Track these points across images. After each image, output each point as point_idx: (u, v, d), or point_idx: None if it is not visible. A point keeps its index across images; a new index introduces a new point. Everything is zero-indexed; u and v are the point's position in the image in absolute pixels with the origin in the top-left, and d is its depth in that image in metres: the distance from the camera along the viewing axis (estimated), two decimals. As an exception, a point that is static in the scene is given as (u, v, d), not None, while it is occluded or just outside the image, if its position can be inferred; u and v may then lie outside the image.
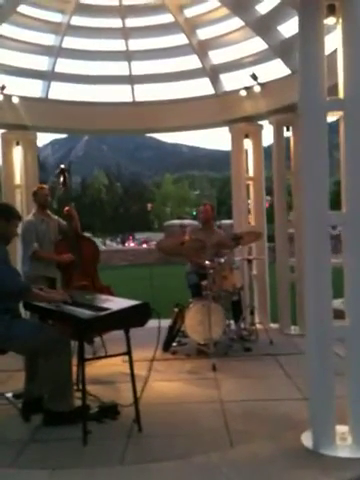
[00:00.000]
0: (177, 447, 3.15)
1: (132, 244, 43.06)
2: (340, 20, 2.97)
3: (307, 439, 3.04)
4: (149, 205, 53.59)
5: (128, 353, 3.38)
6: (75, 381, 4.22)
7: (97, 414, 3.60)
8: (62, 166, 5.72)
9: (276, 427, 3.34)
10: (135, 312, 3.14)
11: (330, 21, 3.01)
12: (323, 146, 2.98)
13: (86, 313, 3.10)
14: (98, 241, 49.64)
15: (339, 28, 2.98)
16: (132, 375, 3.40)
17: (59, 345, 3.42)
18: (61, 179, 5.62)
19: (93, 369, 4.28)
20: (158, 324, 3.40)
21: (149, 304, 3.19)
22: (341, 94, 3.00)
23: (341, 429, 3.01)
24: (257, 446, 3.04)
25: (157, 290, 9.06)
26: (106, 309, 3.13)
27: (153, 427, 3.45)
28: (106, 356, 3.50)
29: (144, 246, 34.98)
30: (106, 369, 4.64)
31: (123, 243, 45.52)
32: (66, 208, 5.54)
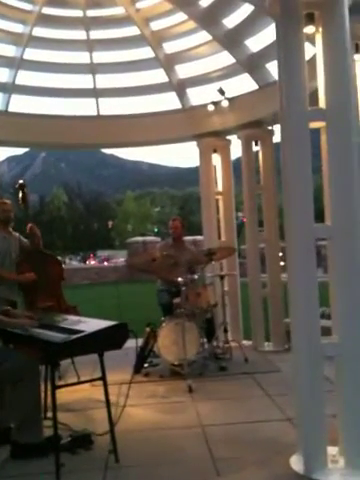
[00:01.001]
0: (159, 478, 2.94)
1: (93, 262, 42.41)
2: (320, 29, 2.91)
3: (297, 463, 2.89)
4: (110, 222, 53.10)
5: (102, 378, 3.15)
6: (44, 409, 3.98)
7: (69, 444, 3.34)
8: (21, 181, 5.46)
9: (262, 452, 3.17)
10: (112, 333, 2.93)
11: (309, 30, 2.95)
12: (306, 156, 2.89)
13: (58, 336, 2.86)
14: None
15: (319, 37, 2.92)
16: (107, 402, 3.17)
17: (27, 372, 3.17)
18: (20, 195, 5.35)
19: (61, 395, 3.99)
20: (135, 344, 3.18)
21: (126, 324, 2.98)
22: (323, 104, 2.93)
23: (331, 451, 2.87)
24: (246, 474, 2.86)
25: (125, 308, 8.80)
26: (79, 331, 2.90)
27: (131, 457, 3.22)
28: (79, 382, 3.27)
29: (105, 264, 34.48)
30: (74, 395, 4.37)
31: (84, 261, 44.78)
32: (29, 225, 5.27)
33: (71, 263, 42.69)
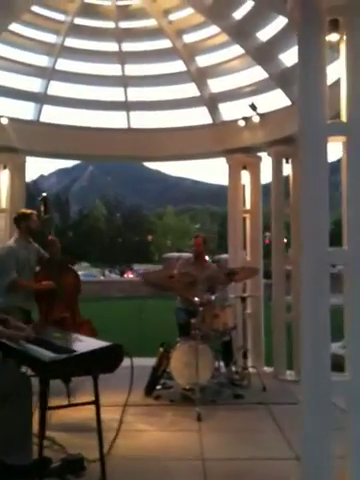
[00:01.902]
0: None
1: (131, 276, 42.62)
2: (344, 36, 2.68)
3: (297, 511, 2.59)
4: (149, 236, 53.38)
5: (95, 402, 2.96)
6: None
7: (59, 469, 3.14)
8: (44, 194, 5.45)
9: (262, 494, 2.89)
10: (104, 355, 2.74)
11: (333, 38, 2.72)
12: (323, 174, 2.64)
13: (46, 355, 2.69)
14: (95, 271, 49.34)
15: (343, 45, 2.69)
16: (99, 428, 2.97)
17: (18, 389, 3.01)
18: (42, 207, 5.32)
19: (64, 413, 3.83)
20: (131, 366, 2.97)
21: (121, 346, 2.78)
22: (344, 117, 2.68)
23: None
24: None
25: (147, 324, 8.58)
26: (71, 351, 2.73)
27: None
28: (69, 405, 3.09)
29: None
30: (77, 414, 4.17)
31: (122, 274, 45.05)
32: (49, 237, 5.21)
33: (110, 276, 43.09)
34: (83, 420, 4.14)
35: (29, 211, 5.23)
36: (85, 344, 2.91)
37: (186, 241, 56.11)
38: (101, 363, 2.74)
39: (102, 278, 41.82)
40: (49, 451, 3.59)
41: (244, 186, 6.47)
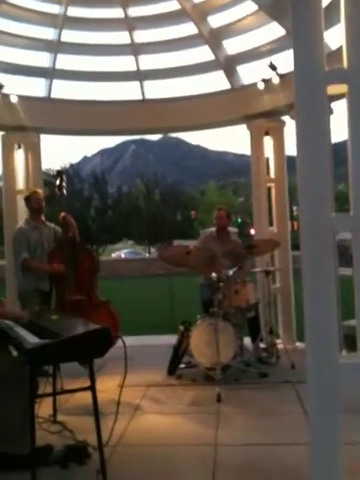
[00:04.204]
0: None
1: (175, 252, 42.35)
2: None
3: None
4: (193, 212, 53.04)
5: (91, 388, 2.78)
6: (52, 413, 3.71)
7: (62, 457, 3.03)
8: (59, 169, 5.28)
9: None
10: (91, 340, 2.54)
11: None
12: (323, 129, 2.28)
13: (30, 340, 2.53)
14: (140, 249, 49.60)
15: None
16: (96, 416, 2.79)
17: (11, 378, 2.88)
18: (57, 182, 5.16)
19: (81, 396, 3.70)
20: (124, 349, 2.76)
21: (109, 329, 2.58)
22: (345, 63, 2.31)
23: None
24: None
25: (179, 301, 8.39)
26: (57, 336, 2.55)
27: (122, 477, 2.84)
28: (60, 392, 2.93)
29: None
30: (98, 396, 4.06)
31: (163, 251, 44.84)
32: (62, 214, 5.06)
33: (155, 253, 43.18)
34: (102, 403, 4.02)
35: (32, 190, 5.10)
36: (76, 328, 2.73)
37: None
38: (89, 348, 2.55)
39: (147, 255, 42.06)
40: (58, 437, 3.51)
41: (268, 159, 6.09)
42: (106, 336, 2.53)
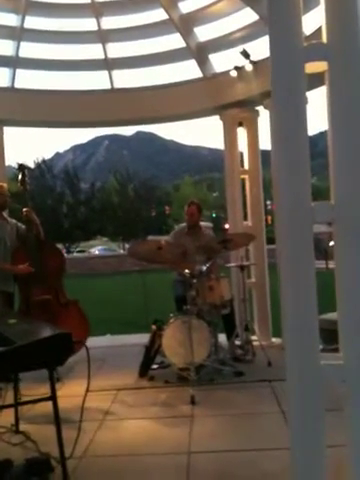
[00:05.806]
0: None
1: (147, 248, 42.10)
2: None
3: None
4: (167, 208, 52.77)
5: (52, 398, 2.55)
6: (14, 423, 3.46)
7: (22, 471, 2.79)
8: (21, 162, 4.98)
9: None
10: (49, 347, 2.30)
11: None
12: (301, 110, 2.10)
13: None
14: (114, 245, 49.10)
15: None
16: (58, 428, 2.56)
17: None
18: (19, 176, 4.87)
19: (46, 404, 3.47)
20: (87, 356, 2.53)
21: (70, 335, 2.35)
22: (324, 38, 2.12)
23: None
24: None
25: (153, 298, 8.15)
26: (12, 342, 2.30)
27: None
28: (19, 404, 2.69)
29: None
30: (65, 402, 3.81)
31: (137, 247, 44.52)
32: (24, 210, 4.77)
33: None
34: (69, 410, 3.78)
35: None
36: (34, 333, 2.48)
37: (204, 211, 55.40)
38: (46, 355, 2.31)
39: (122, 252, 41.66)
40: (21, 448, 3.27)
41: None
42: (66, 342, 2.29)
